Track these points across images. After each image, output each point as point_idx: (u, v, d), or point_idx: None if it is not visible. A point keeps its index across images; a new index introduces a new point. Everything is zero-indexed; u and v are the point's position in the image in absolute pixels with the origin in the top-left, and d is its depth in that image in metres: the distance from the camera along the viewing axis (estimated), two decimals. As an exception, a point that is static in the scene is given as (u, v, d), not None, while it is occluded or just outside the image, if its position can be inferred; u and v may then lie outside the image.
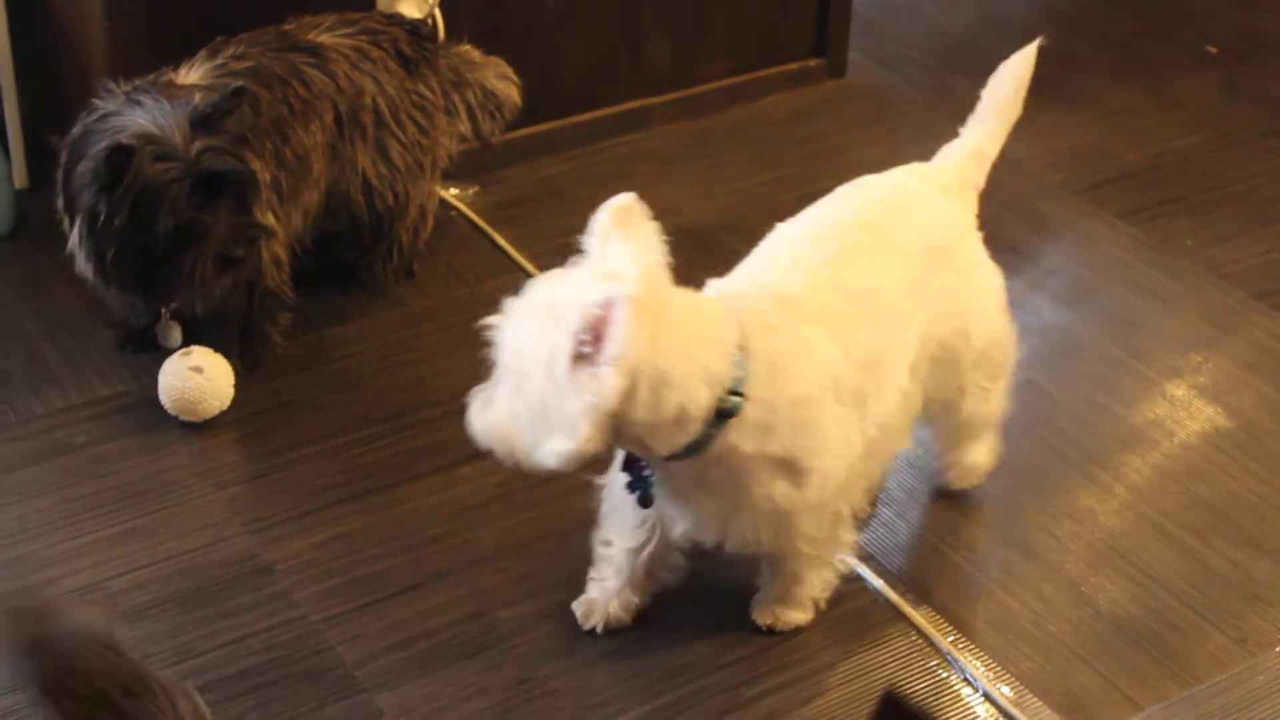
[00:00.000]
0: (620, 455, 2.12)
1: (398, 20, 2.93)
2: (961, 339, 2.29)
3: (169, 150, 2.46)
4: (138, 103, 2.51)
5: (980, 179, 2.39)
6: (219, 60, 2.65)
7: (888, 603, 2.37)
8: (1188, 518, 2.55)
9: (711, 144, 3.48)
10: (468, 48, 3.03)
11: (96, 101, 2.56)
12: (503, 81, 3.03)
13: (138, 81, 2.58)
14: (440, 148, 2.95)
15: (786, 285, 2.10)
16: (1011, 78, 2.44)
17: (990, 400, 2.42)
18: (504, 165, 3.32)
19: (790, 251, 2.16)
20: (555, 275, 1.94)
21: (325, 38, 2.78)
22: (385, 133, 2.83)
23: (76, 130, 2.56)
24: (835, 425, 2.07)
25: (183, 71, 2.64)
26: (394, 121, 2.84)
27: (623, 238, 1.91)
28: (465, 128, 3.00)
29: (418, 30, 2.93)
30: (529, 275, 3.00)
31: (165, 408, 2.64)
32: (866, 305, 2.12)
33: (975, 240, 2.35)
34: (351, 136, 2.79)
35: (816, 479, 2.06)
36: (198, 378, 2.62)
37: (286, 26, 2.79)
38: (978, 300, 2.33)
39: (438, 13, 3.09)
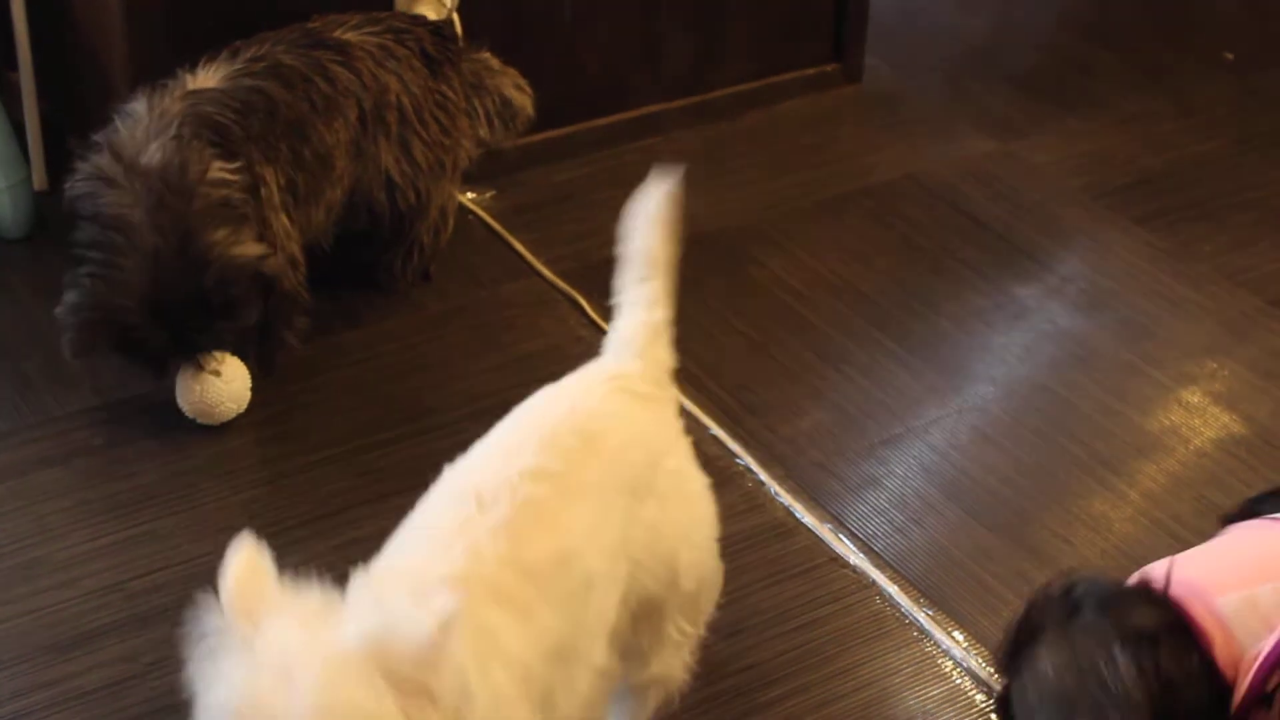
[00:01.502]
0: None
1: (422, 21, 2.94)
2: (668, 584, 1.90)
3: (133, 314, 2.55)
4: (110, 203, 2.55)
5: (669, 356, 1.98)
6: (238, 64, 2.66)
7: (903, 608, 2.37)
8: (1203, 524, 2.55)
9: (728, 149, 3.48)
10: (487, 55, 3.04)
11: (84, 163, 2.60)
12: (518, 92, 3.04)
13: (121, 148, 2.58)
14: (462, 149, 2.95)
15: (447, 566, 1.67)
16: (651, 223, 1.99)
17: (684, 650, 2.00)
18: (521, 169, 3.32)
19: (454, 515, 1.73)
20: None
21: (351, 35, 2.79)
22: (409, 130, 2.84)
23: (68, 188, 2.62)
24: None
25: (201, 75, 2.64)
26: (417, 120, 2.84)
27: (262, 595, 1.54)
28: (485, 132, 3.01)
29: (441, 31, 2.94)
30: (545, 279, 3.06)
31: (182, 410, 2.65)
32: (552, 580, 1.71)
33: (680, 454, 1.95)
34: (375, 134, 2.80)
35: None
36: (215, 381, 2.63)
37: (311, 24, 2.80)
38: (688, 534, 1.93)
39: (455, 16, 3.10)
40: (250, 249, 2.56)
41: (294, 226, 2.69)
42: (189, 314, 2.55)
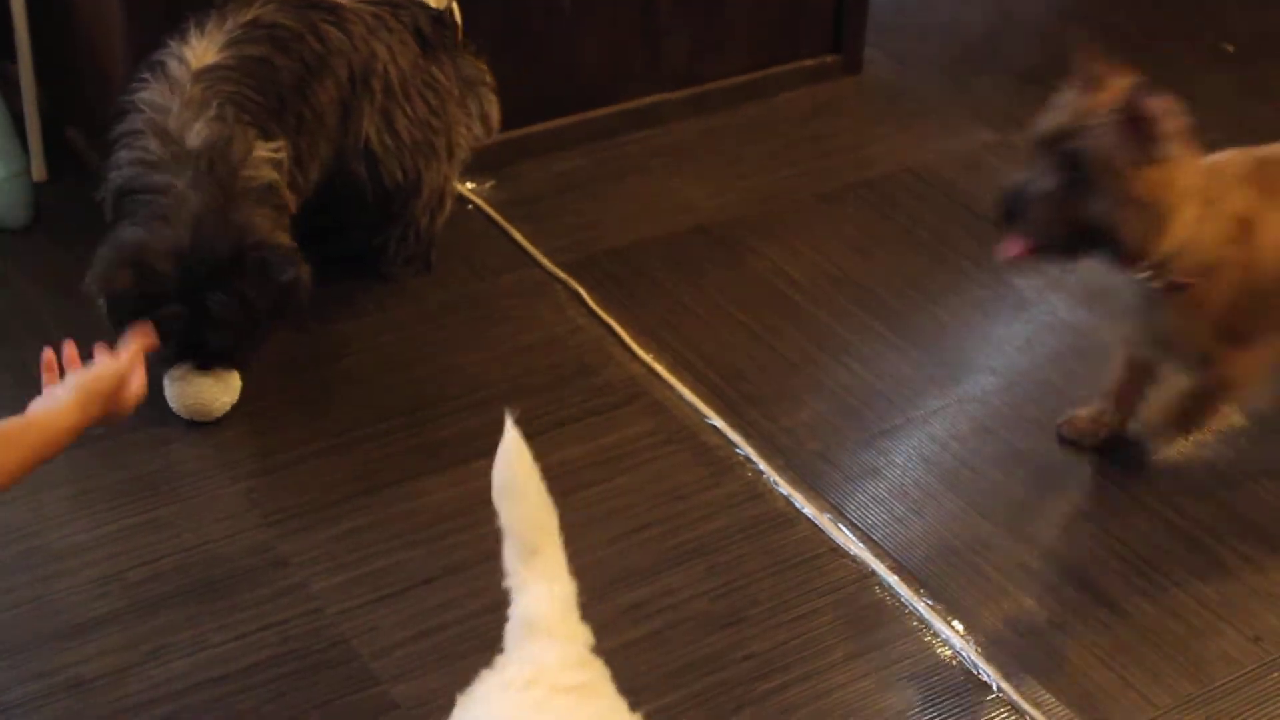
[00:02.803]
0: None
1: (420, 3, 2.93)
2: None
3: (162, 278, 2.50)
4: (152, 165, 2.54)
5: (585, 632, 1.71)
6: (233, 30, 2.63)
7: (902, 598, 2.38)
8: (1203, 516, 2.55)
9: (727, 140, 3.48)
10: (483, 66, 3.02)
11: (126, 151, 2.58)
12: (492, 106, 3.02)
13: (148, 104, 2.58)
14: (456, 133, 2.93)
15: None
16: (519, 487, 1.73)
17: None
18: (520, 160, 3.32)
19: None
20: None
21: (346, 0, 2.78)
22: (393, 103, 2.82)
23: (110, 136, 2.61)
24: None
25: (197, 46, 2.61)
26: (403, 94, 2.83)
27: None
28: (479, 128, 3.00)
29: (441, 18, 2.93)
30: (544, 270, 3.06)
31: (179, 415, 2.63)
32: None
33: None
34: (361, 98, 2.79)
35: None
36: (207, 378, 2.61)
37: None
38: None
39: (455, 6, 3.09)
40: (287, 240, 2.57)
41: (295, 195, 2.68)
42: (214, 271, 2.51)
